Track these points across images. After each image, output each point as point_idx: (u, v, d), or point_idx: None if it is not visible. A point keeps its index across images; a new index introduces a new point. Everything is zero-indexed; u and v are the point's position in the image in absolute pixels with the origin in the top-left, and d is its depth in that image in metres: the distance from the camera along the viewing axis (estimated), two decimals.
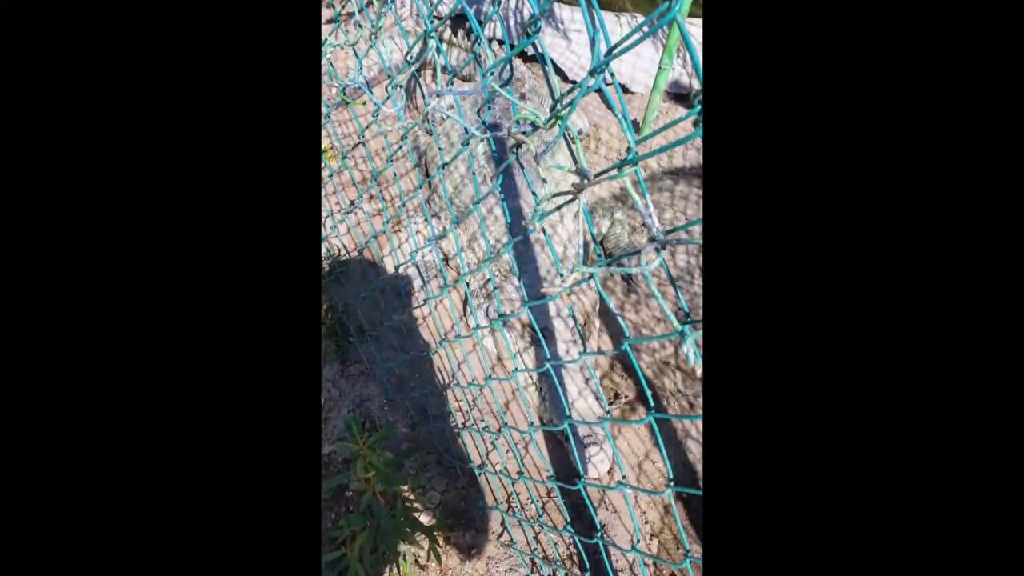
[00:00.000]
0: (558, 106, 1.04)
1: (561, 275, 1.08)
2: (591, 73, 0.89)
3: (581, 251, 1.06)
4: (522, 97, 4.17)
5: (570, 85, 4.70)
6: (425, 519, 2.54)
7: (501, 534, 2.56)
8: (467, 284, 3.25)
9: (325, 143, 4.07)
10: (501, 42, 4.99)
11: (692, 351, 0.87)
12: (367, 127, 2.05)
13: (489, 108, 1.34)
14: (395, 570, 2.31)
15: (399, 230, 3.75)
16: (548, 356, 1.62)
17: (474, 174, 1.57)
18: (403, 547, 2.29)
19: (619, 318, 1.19)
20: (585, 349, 1.41)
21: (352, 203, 2.37)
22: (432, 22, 1.38)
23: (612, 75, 0.96)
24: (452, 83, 1.35)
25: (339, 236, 3.63)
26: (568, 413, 1.64)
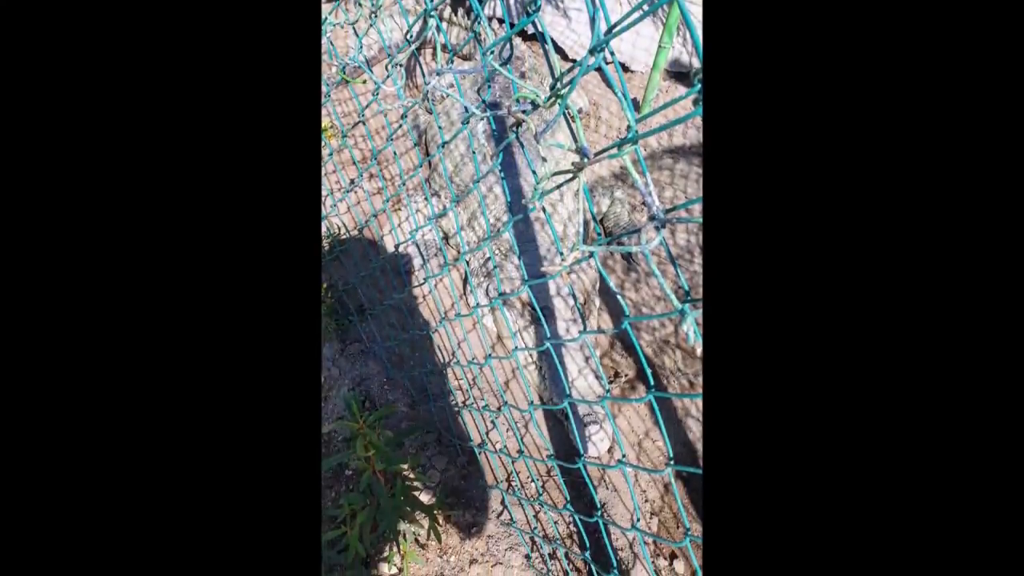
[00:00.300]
0: (558, 85, 1.03)
1: (561, 254, 1.08)
2: (591, 52, 0.89)
3: (581, 230, 1.06)
4: (522, 76, 4.15)
5: (570, 64, 4.66)
6: (425, 498, 2.56)
7: (501, 513, 2.58)
8: (467, 263, 3.24)
9: (325, 122, 4.05)
10: (501, 21, 4.95)
11: (692, 330, 0.88)
12: (367, 106, 2.04)
13: (489, 87, 1.34)
14: (395, 548, 2.33)
15: (399, 209, 3.75)
16: (548, 335, 1.63)
17: (474, 153, 1.56)
18: (403, 526, 2.31)
19: (619, 297, 1.19)
20: (585, 328, 1.41)
21: (352, 182, 2.37)
22: (432, 1, 1.37)
23: (612, 54, 0.96)
24: (452, 62, 1.34)
25: (339, 215, 3.62)
26: (568, 392, 1.64)
